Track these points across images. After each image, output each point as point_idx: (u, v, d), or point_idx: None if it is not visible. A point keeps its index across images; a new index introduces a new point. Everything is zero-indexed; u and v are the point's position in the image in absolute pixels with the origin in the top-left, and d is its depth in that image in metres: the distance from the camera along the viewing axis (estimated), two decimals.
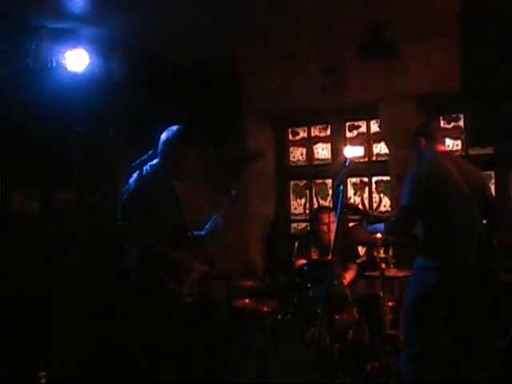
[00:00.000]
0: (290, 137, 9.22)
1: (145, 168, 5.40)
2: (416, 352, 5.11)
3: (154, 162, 5.45)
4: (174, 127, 5.48)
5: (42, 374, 6.25)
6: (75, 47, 6.56)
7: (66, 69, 6.58)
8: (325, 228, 7.14)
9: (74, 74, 6.62)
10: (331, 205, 8.53)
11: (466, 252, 5.04)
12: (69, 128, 6.92)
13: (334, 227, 7.04)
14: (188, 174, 5.59)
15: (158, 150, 5.45)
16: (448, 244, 5.06)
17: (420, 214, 5.15)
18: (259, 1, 5.92)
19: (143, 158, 5.40)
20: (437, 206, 5.11)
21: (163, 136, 5.47)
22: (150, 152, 5.41)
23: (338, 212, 5.16)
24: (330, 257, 6.25)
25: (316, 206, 8.85)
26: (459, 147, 7.77)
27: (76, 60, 6.59)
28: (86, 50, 6.66)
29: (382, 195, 8.35)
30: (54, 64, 6.57)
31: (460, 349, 5.15)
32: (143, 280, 5.34)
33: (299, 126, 9.13)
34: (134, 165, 5.40)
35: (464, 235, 5.09)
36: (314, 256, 6.87)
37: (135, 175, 5.33)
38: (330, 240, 7.13)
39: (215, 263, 5.71)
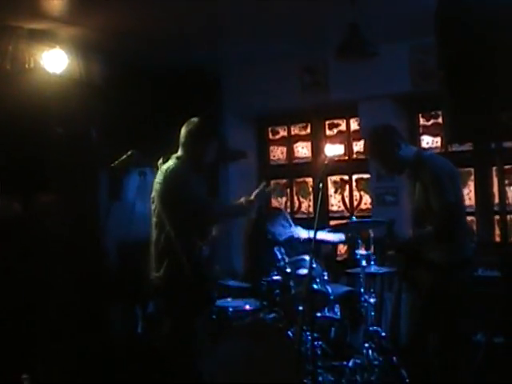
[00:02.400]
0: (271, 136, 9.24)
1: (170, 161, 5.37)
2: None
3: (179, 154, 5.41)
4: (196, 119, 5.45)
5: (25, 376, 6.23)
6: (53, 48, 6.54)
7: (44, 70, 6.56)
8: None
9: (53, 76, 6.60)
10: (312, 203, 8.59)
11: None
12: (49, 130, 6.89)
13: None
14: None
15: (181, 143, 5.41)
16: (468, 236, 5.21)
17: None
18: (239, 1, 5.93)
19: (122, 158, 5.39)
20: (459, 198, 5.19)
21: (185, 128, 5.43)
22: (129, 152, 5.40)
23: (318, 209, 5.15)
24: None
25: (297, 204, 8.90)
26: (438, 144, 7.82)
27: (54, 61, 6.57)
28: (65, 51, 6.64)
29: (362, 193, 8.38)
30: (32, 65, 6.55)
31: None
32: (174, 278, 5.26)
33: (279, 125, 9.15)
34: (113, 165, 5.41)
35: None
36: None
37: (167, 167, 5.30)
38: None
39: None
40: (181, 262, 5.21)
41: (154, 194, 5.39)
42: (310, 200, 8.83)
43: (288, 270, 6.32)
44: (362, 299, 6.24)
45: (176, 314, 5.29)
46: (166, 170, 5.30)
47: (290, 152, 9.04)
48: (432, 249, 5.15)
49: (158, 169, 5.44)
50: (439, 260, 5.10)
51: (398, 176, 6.00)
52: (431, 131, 7.89)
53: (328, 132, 8.70)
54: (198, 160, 5.42)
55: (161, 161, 5.41)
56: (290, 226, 7.29)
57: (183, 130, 5.45)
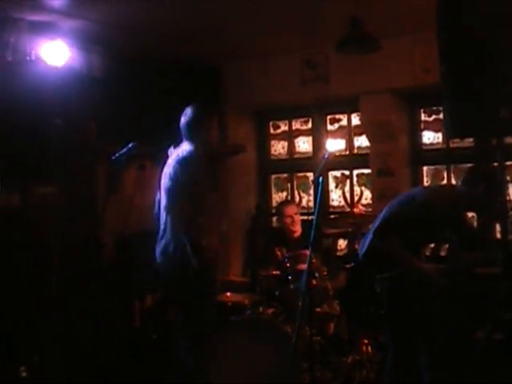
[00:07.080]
0: (272, 130, 9.21)
1: (180, 154, 5.40)
2: None
3: (186, 146, 5.44)
4: (190, 106, 5.51)
5: (23, 368, 6.23)
6: (54, 40, 6.52)
7: (45, 62, 6.54)
8: (288, 221, 7.12)
9: (54, 68, 6.59)
10: (312, 198, 8.57)
11: None
12: (48, 121, 6.88)
13: (298, 219, 7.11)
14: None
15: (185, 133, 5.46)
16: None
17: None
18: None
19: (122, 151, 5.37)
20: None
21: (186, 118, 5.50)
22: (129, 145, 5.38)
23: (318, 203, 5.11)
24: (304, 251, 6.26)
25: (298, 199, 8.86)
26: (440, 140, 7.81)
27: (55, 53, 6.55)
28: (66, 44, 6.63)
29: (363, 188, 8.36)
30: (33, 57, 6.53)
31: None
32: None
33: (280, 119, 9.12)
34: (114, 158, 5.39)
35: None
36: (280, 254, 6.77)
37: (177, 161, 5.37)
38: (294, 232, 7.12)
39: None
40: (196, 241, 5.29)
41: (167, 179, 5.43)
42: (310, 195, 8.82)
43: (287, 265, 6.31)
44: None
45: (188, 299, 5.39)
46: (180, 154, 5.37)
47: (291, 146, 9.01)
48: None
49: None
50: None
51: None
52: (433, 127, 7.87)
53: (329, 127, 8.67)
54: (205, 144, 5.44)
55: (172, 148, 5.44)
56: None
57: (183, 121, 5.47)
